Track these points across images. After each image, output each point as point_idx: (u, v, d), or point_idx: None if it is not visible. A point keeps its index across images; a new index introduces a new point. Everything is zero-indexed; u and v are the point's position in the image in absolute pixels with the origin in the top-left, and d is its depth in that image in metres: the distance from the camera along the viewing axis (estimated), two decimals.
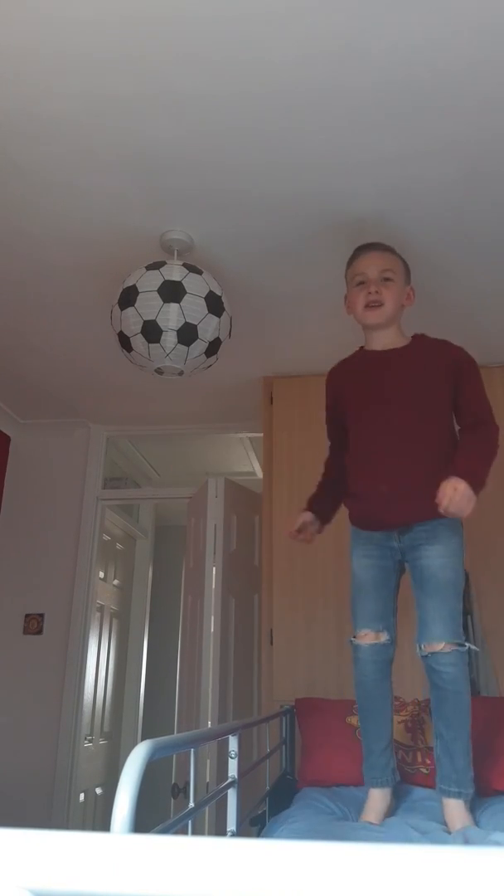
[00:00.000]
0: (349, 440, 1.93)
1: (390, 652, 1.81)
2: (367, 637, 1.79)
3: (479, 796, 1.91)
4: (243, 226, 2.35)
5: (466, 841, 1.50)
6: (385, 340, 1.92)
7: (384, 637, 1.79)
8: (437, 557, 1.75)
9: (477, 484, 1.65)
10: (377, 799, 1.75)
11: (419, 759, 2.13)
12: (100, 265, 2.56)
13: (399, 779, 1.83)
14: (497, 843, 1.48)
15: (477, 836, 1.53)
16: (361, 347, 2.00)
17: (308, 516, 2.02)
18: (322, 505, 2.06)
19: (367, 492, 1.83)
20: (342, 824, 1.72)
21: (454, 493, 1.61)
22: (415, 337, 1.95)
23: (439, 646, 1.69)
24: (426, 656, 1.71)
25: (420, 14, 1.59)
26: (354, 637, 1.83)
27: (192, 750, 1.28)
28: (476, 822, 1.66)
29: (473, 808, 1.73)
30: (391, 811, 1.78)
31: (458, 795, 1.66)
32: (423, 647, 1.72)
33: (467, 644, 1.71)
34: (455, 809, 1.64)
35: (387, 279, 1.88)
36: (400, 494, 1.77)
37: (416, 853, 0.42)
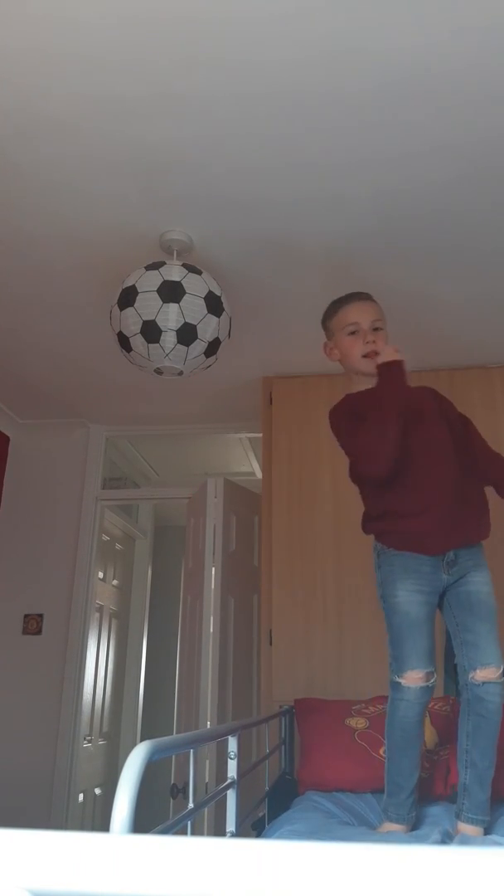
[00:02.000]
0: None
1: (432, 693, 1.74)
2: (419, 679, 1.68)
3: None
4: (243, 226, 2.35)
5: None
6: (373, 382, 1.92)
7: (433, 679, 1.70)
8: (484, 584, 1.76)
9: None
10: (400, 835, 1.68)
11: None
12: (99, 265, 2.56)
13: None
14: (496, 843, 1.48)
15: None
16: (349, 395, 1.96)
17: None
18: None
19: (431, 510, 1.76)
20: (344, 827, 1.72)
21: None
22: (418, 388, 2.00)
23: (495, 673, 1.67)
24: (476, 685, 1.68)
25: (420, 14, 1.59)
26: (400, 677, 1.70)
27: (192, 750, 1.28)
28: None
29: None
30: None
31: (482, 823, 1.66)
32: (474, 674, 1.68)
33: None
34: (475, 835, 1.64)
35: (377, 328, 1.92)
36: (465, 514, 1.79)
37: (417, 853, 0.42)
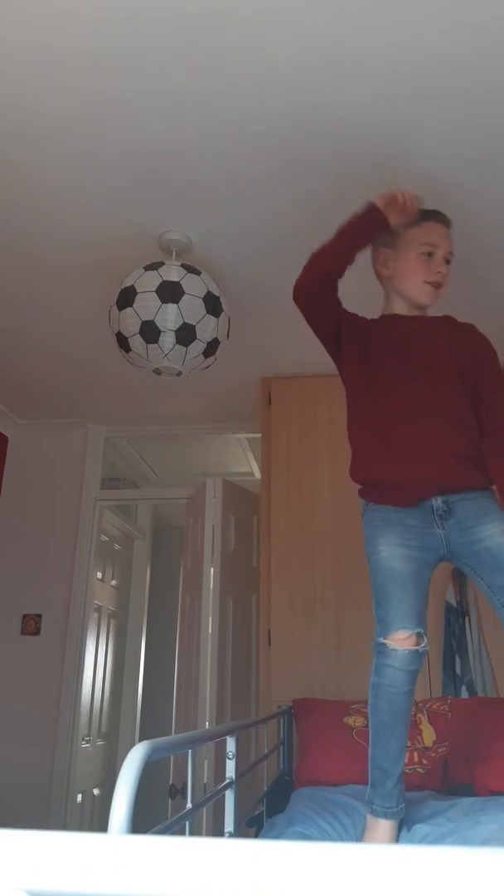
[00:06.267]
0: (367, 396, 1.69)
1: (423, 661, 1.53)
2: (406, 641, 1.48)
3: (477, 796, 1.91)
4: (242, 226, 2.35)
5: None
6: (416, 311, 1.76)
7: (423, 643, 1.50)
8: (500, 534, 1.51)
9: None
10: (387, 832, 1.50)
11: (416, 759, 2.13)
12: (98, 265, 2.56)
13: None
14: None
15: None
16: (383, 316, 1.79)
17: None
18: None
19: (411, 454, 1.58)
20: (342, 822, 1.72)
21: None
22: (444, 316, 1.80)
23: None
24: None
25: (419, 14, 1.60)
26: (386, 638, 1.50)
27: (190, 751, 1.28)
28: (478, 822, 1.64)
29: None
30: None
31: None
32: None
33: None
34: None
35: (448, 261, 1.73)
36: (451, 457, 1.57)
37: (417, 853, 0.42)
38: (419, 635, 1.50)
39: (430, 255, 1.70)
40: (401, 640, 1.48)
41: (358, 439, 1.68)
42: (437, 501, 1.56)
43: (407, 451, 1.58)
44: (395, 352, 1.69)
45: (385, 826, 1.50)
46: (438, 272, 1.69)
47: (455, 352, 1.70)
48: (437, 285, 1.70)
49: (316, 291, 1.67)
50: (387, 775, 1.51)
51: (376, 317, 1.79)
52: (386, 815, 1.50)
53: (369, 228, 1.64)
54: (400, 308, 1.76)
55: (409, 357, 1.68)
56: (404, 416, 1.61)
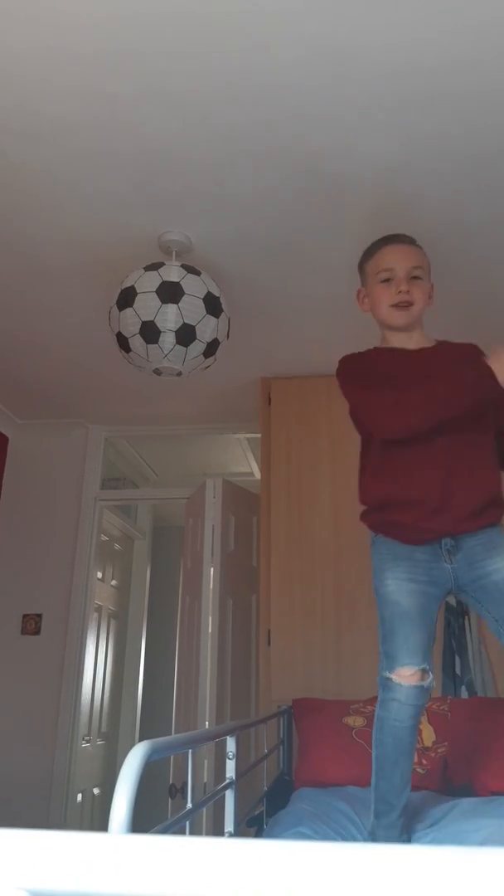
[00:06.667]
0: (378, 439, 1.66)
1: (428, 696, 1.54)
2: (412, 677, 1.48)
3: (477, 796, 1.91)
4: (242, 227, 2.35)
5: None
6: (411, 342, 1.73)
7: (429, 679, 1.50)
8: None
9: None
10: None
11: (415, 759, 2.12)
12: (98, 266, 2.56)
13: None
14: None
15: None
16: (377, 348, 1.78)
17: None
18: None
19: (424, 495, 1.57)
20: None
21: None
22: (439, 342, 1.77)
23: None
24: None
25: (419, 12, 1.60)
26: (390, 674, 1.50)
27: (190, 751, 1.28)
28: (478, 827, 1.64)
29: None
30: None
31: None
32: None
33: None
34: None
35: (415, 277, 1.69)
36: (466, 511, 1.55)
37: (417, 853, 0.42)
38: (424, 671, 1.50)
39: (387, 280, 1.69)
40: (406, 676, 1.48)
41: (373, 488, 1.66)
42: (447, 540, 1.56)
43: (427, 507, 1.56)
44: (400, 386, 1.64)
45: None
46: (399, 292, 1.67)
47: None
48: (405, 304, 1.67)
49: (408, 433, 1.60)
50: (391, 807, 1.51)
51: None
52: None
53: (490, 390, 1.53)
54: (395, 341, 1.74)
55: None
56: (423, 471, 1.58)
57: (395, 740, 1.50)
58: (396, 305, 1.68)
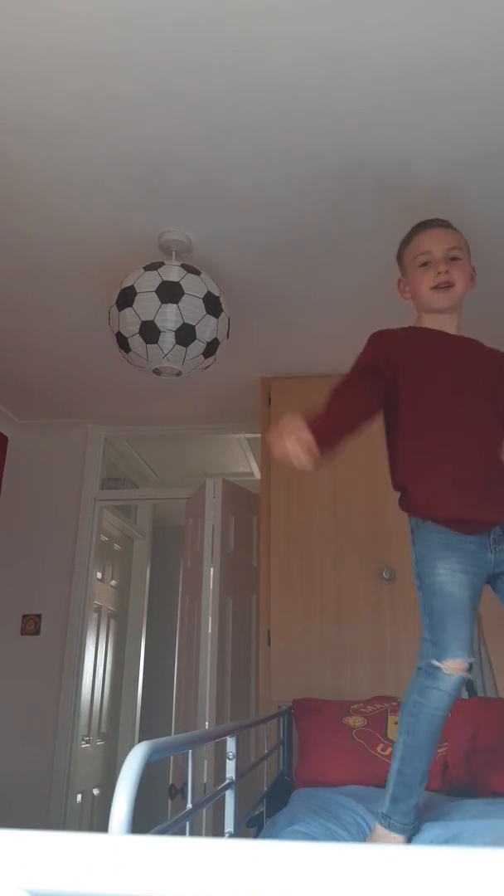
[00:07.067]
0: (417, 416, 1.63)
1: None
2: (461, 668, 1.47)
3: (478, 797, 1.91)
4: (242, 226, 2.35)
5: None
6: (451, 327, 1.71)
7: (471, 672, 1.51)
8: None
9: None
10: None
11: None
12: (98, 266, 2.56)
13: None
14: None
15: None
16: (413, 327, 1.75)
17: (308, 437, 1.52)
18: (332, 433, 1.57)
19: (472, 481, 1.55)
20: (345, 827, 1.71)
21: None
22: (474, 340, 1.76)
23: None
24: None
25: (418, 12, 1.60)
26: (441, 662, 1.48)
27: (190, 751, 1.28)
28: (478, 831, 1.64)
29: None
30: None
31: None
32: None
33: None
34: None
35: (454, 258, 1.67)
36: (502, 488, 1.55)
37: (417, 853, 0.42)
38: (470, 664, 1.50)
39: (425, 264, 1.69)
40: (455, 667, 1.47)
41: (417, 462, 1.62)
42: (497, 529, 1.56)
43: (479, 491, 1.55)
44: (448, 372, 1.64)
45: (398, 840, 1.51)
46: (439, 273, 1.65)
47: (495, 377, 1.68)
48: (446, 285, 1.66)
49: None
50: (412, 793, 1.51)
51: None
52: (401, 831, 1.51)
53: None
54: (434, 324, 1.71)
55: (462, 380, 1.64)
56: (470, 455, 1.58)
57: (430, 727, 1.51)
58: (437, 287, 1.66)
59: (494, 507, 1.55)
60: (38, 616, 3.69)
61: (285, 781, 2.35)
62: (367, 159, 2.05)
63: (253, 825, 1.95)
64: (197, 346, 2.26)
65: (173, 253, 2.39)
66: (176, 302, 2.18)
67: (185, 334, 2.21)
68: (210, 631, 3.18)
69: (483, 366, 1.67)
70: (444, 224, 1.74)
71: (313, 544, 3.09)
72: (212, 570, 3.27)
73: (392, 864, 0.41)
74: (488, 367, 1.68)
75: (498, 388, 1.66)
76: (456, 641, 1.48)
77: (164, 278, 2.20)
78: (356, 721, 2.25)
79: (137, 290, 2.20)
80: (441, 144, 1.99)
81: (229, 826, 1.50)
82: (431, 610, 1.53)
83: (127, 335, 2.24)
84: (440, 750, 2.14)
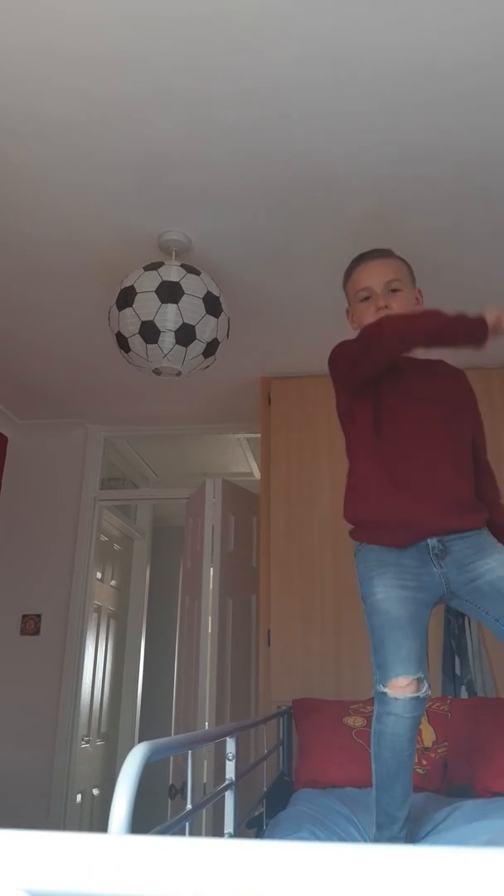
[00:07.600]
0: (375, 435, 1.65)
1: (425, 706, 1.50)
2: (407, 688, 1.43)
3: (478, 797, 1.91)
4: (242, 226, 2.35)
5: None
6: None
7: (424, 688, 1.45)
8: (501, 565, 1.50)
9: None
10: None
11: (416, 761, 2.12)
12: (98, 266, 2.56)
13: None
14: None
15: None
16: None
17: None
18: None
19: (417, 496, 1.56)
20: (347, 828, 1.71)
21: None
22: (438, 360, 1.79)
23: None
24: None
25: (419, 12, 1.60)
26: (385, 686, 1.45)
27: (190, 752, 1.27)
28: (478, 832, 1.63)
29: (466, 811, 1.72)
30: None
31: None
32: None
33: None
34: None
35: (394, 290, 1.69)
36: (454, 502, 1.56)
37: (417, 853, 0.42)
38: (420, 681, 1.45)
39: (366, 298, 1.71)
40: (401, 688, 1.44)
41: (363, 477, 1.65)
42: (433, 541, 1.54)
43: (414, 493, 1.56)
44: (403, 393, 1.67)
45: None
46: (379, 308, 1.67)
47: (453, 393, 1.73)
48: None
49: (382, 366, 1.59)
50: (393, 819, 1.48)
51: None
52: None
53: (467, 336, 1.48)
54: None
55: (416, 397, 1.67)
56: (412, 458, 1.60)
57: (394, 754, 1.47)
58: None
59: (434, 512, 1.54)
60: (38, 616, 3.69)
61: (285, 782, 2.35)
62: (367, 160, 2.04)
63: (253, 826, 1.95)
64: (197, 346, 2.26)
65: (173, 253, 2.39)
66: (176, 302, 2.18)
67: (185, 334, 2.21)
68: (210, 631, 3.18)
69: (438, 382, 1.72)
70: (382, 255, 1.75)
71: (313, 544, 3.09)
72: (212, 570, 3.27)
73: (392, 864, 0.41)
74: (446, 383, 1.73)
75: (459, 404, 1.72)
76: (397, 659, 1.45)
77: (164, 278, 2.20)
78: (356, 721, 2.25)
79: (137, 290, 2.20)
80: (441, 144, 1.99)
81: (229, 827, 1.50)
82: (372, 629, 1.52)
83: (127, 335, 2.24)
84: (440, 750, 2.14)
